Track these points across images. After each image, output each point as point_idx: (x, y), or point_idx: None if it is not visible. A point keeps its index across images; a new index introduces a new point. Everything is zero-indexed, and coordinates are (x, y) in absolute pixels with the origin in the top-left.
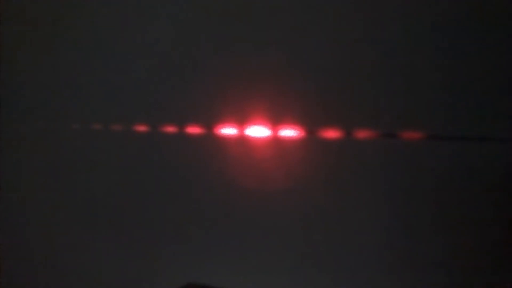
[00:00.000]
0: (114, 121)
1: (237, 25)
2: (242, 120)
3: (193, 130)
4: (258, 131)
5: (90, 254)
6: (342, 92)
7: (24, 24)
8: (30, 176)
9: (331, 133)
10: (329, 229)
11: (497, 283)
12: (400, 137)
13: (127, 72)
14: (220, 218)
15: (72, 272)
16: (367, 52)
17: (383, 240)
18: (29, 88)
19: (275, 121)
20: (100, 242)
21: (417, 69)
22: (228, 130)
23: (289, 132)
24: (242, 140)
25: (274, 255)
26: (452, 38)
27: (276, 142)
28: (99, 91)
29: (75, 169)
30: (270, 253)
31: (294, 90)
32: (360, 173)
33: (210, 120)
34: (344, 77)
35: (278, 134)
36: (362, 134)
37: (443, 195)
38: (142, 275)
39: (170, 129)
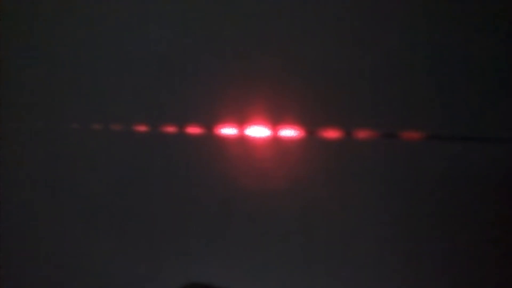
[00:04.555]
0: (114, 121)
1: (237, 25)
2: (242, 120)
3: (193, 130)
4: (258, 131)
5: (90, 254)
6: (342, 92)
7: (24, 24)
8: (30, 176)
9: (331, 133)
10: (329, 229)
11: (497, 283)
12: (400, 137)
13: (127, 72)
14: (220, 218)
15: (72, 272)
16: (367, 52)
17: (383, 239)
18: (29, 88)
19: (275, 121)
20: (100, 242)
21: (417, 69)
22: (228, 130)
23: (289, 132)
24: (242, 140)
25: (274, 255)
26: (452, 38)
27: (276, 142)
28: (99, 91)
29: (75, 169)
30: (270, 252)
31: (294, 90)
32: (360, 173)
33: (210, 120)
34: (344, 77)
35: (278, 134)
36: (362, 134)
37: (443, 195)
38: (143, 274)
39: (170, 129)
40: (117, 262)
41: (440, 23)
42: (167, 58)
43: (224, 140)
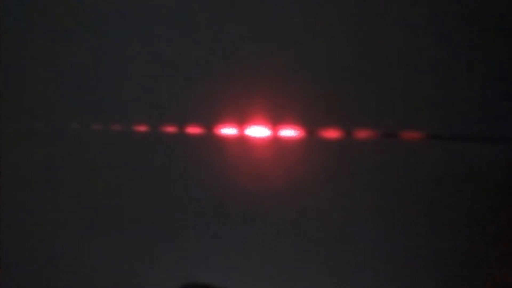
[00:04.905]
0: (114, 121)
1: (237, 25)
2: (242, 120)
3: (193, 130)
4: (258, 131)
5: (89, 254)
6: (342, 92)
7: (24, 23)
8: (29, 176)
9: (331, 133)
10: (328, 229)
11: (497, 283)
12: (400, 137)
13: (127, 72)
14: (220, 218)
15: (71, 273)
16: (367, 52)
17: (382, 240)
18: (29, 88)
19: (275, 121)
20: (99, 243)
21: (417, 69)
22: (228, 130)
23: (289, 132)
24: (242, 140)
25: (273, 255)
26: (452, 38)
27: (276, 142)
28: (99, 91)
29: (75, 169)
30: (270, 253)
31: (294, 90)
32: (360, 173)
33: (210, 120)
34: (344, 77)
35: (278, 134)
36: (362, 134)
37: (443, 195)
38: (142, 275)
39: (170, 129)
40: (116, 262)
41: (440, 23)
42: (167, 58)
43: (224, 140)
